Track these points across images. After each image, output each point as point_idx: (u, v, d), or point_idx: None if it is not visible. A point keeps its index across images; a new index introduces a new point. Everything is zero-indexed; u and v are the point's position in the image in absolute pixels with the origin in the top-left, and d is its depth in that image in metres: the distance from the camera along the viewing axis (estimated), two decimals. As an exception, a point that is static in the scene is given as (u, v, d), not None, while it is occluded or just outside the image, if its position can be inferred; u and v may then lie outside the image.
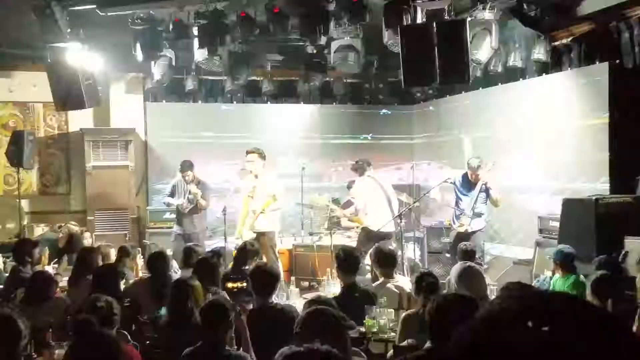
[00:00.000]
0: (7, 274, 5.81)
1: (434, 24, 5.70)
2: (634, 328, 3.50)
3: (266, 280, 4.05)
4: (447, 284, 4.99)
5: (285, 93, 10.00)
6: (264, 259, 6.20)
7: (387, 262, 5.11)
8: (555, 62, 7.64)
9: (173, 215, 8.28)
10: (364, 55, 7.51)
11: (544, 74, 7.97)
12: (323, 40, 6.77)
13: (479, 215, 7.43)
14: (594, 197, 6.35)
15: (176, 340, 3.46)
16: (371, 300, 4.48)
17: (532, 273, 6.96)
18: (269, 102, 10.10)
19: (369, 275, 6.42)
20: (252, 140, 9.47)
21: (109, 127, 9.07)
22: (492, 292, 4.87)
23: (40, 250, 5.98)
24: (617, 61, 6.65)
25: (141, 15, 6.54)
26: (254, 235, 6.83)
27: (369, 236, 7.05)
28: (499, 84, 8.75)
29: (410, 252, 8.32)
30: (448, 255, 7.73)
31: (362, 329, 4.18)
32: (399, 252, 7.26)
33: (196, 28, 6.62)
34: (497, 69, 8.09)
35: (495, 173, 7.40)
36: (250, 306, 4.00)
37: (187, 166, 7.87)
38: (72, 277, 5.46)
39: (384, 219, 7.11)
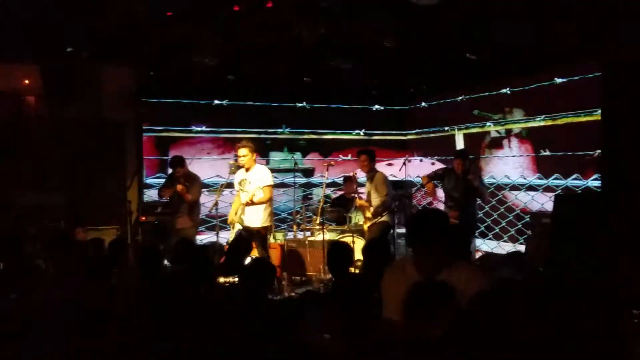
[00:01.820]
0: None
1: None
2: None
3: (261, 274, 4.03)
4: None
5: (278, 88, 9.97)
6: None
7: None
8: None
9: (166, 210, 8.26)
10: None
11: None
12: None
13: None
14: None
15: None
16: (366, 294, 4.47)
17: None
18: (262, 97, 10.08)
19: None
20: (245, 135, 9.47)
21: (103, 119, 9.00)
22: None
23: None
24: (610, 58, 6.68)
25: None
26: (243, 228, 6.82)
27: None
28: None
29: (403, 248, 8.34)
30: None
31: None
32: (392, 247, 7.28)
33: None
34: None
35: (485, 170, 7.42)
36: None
37: (177, 162, 7.81)
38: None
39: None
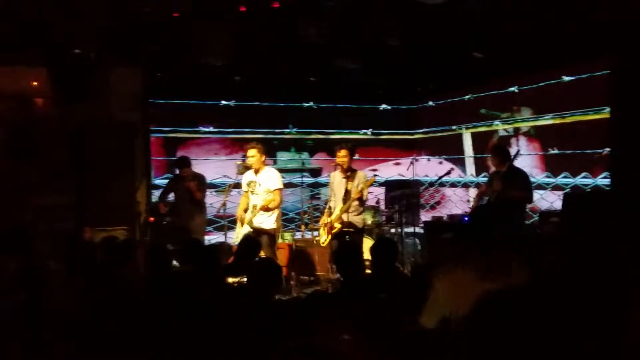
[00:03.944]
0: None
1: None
2: None
3: (267, 274, 4.03)
4: None
5: (285, 88, 9.98)
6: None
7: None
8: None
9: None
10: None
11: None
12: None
13: None
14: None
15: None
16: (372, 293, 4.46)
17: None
18: (269, 98, 10.09)
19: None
20: (252, 135, 9.49)
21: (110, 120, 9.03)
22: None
23: None
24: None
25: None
26: (252, 230, 6.82)
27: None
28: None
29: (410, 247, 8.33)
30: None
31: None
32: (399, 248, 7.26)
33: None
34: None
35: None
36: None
37: (183, 163, 7.86)
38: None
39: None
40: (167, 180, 8.62)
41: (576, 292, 3.60)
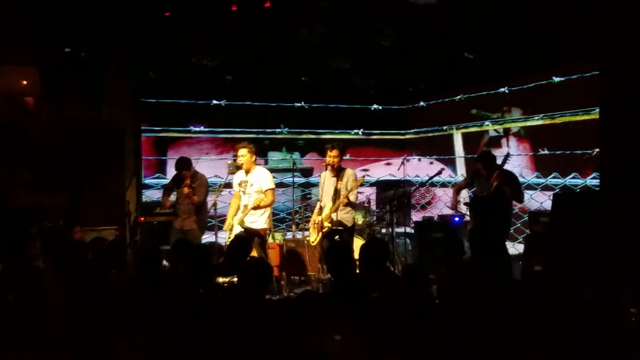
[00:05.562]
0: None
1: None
2: None
3: (258, 274, 4.03)
4: None
5: (277, 88, 9.97)
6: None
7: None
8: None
9: (165, 211, 8.24)
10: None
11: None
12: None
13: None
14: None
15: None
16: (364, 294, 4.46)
17: (522, 268, 7.00)
18: (260, 97, 10.08)
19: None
20: (243, 135, 9.48)
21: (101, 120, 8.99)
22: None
23: None
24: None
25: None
26: (243, 230, 6.81)
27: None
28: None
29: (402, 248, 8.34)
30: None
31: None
32: (390, 247, 7.27)
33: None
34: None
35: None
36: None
37: (182, 165, 7.68)
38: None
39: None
40: (162, 181, 8.57)
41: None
